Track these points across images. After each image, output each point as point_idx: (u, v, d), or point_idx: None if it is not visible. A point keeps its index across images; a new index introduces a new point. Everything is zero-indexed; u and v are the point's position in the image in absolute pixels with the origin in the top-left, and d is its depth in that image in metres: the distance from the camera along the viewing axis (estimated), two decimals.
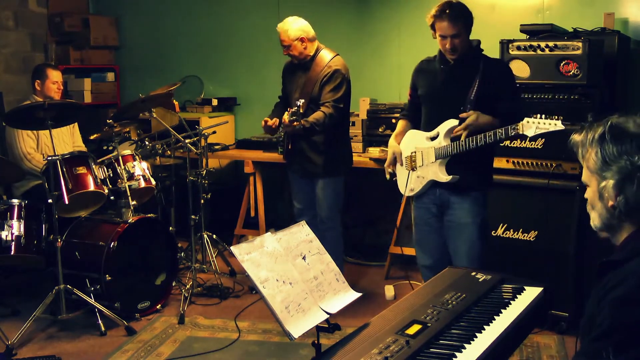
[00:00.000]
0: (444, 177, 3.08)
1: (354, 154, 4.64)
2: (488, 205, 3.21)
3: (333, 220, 4.04)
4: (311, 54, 3.97)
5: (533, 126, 2.83)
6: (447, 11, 2.97)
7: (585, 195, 1.68)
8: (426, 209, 3.23)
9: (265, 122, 3.98)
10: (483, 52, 3.16)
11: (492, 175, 3.28)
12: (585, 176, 1.64)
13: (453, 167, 3.08)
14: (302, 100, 3.73)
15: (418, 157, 3.18)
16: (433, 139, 3.13)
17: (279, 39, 3.96)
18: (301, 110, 3.68)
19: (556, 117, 2.83)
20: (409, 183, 3.24)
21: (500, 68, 3.16)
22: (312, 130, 3.84)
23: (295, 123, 3.67)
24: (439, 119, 3.09)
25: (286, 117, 3.69)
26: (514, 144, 3.67)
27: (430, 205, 3.21)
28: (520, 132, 2.85)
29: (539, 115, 2.85)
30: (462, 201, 3.12)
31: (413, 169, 3.21)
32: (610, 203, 1.56)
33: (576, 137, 1.66)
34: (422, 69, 3.27)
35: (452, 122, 3.04)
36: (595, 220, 1.64)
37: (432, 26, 3.07)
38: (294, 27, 3.91)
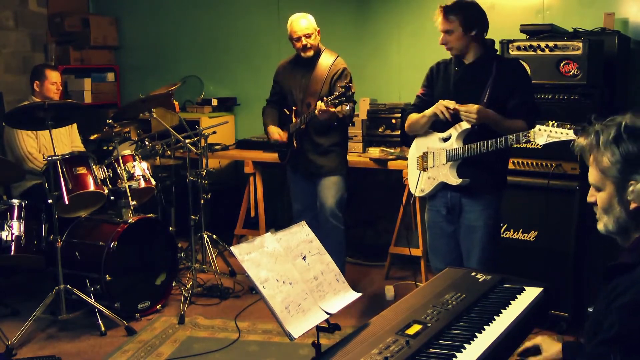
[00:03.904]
0: (454, 179, 3.04)
1: (354, 154, 4.68)
2: (500, 208, 3.16)
3: (337, 219, 4.04)
4: (317, 51, 4.00)
5: (545, 134, 2.76)
6: (444, 6, 3.00)
7: (591, 200, 1.62)
8: (437, 212, 3.19)
9: (280, 136, 4.07)
10: (497, 53, 3.13)
11: (506, 178, 3.22)
12: (597, 179, 1.58)
13: (465, 169, 3.04)
14: (350, 84, 3.69)
15: (429, 157, 3.13)
16: (445, 140, 3.09)
17: (295, 30, 3.93)
18: (352, 90, 3.62)
19: (568, 125, 2.75)
20: (419, 183, 3.20)
21: (513, 68, 3.09)
22: (342, 122, 3.86)
23: (336, 108, 3.61)
24: (452, 120, 3.04)
25: (321, 104, 3.67)
26: None
27: (441, 208, 3.16)
28: (532, 140, 2.79)
29: (551, 123, 2.78)
30: (474, 204, 3.08)
31: (424, 169, 3.17)
32: (634, 205, 1.52)
33: (582, 141, 1.60)
34: (440, 69, 3.20)
35: (464, 125, 3.00)
36: (609, 224, 1.58)
37: None
38: (311, 18, 3.98)
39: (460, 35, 3.00)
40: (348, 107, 3.68)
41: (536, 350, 1.88)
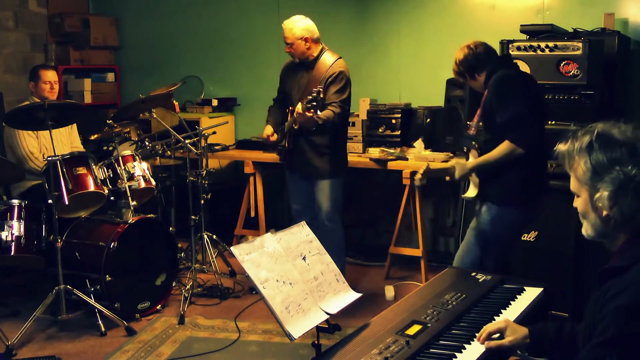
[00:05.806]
0: (472, 188, 3.21)
1: (354, 154, 4.68)
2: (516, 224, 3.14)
3: (334, 221, 4.04)
4: (314, 54, 3.96)
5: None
6: None
7: (575, 205, 1.66)
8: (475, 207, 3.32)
9: (268, 137, 4.07)
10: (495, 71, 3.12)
11: (519, 193, 3.04)
12: (574, 186, 1.63)
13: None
14: (321, 88, 3.63)
15: None
16: None
17: (283, 36, 3.94)
18: (321, 95, 3.58)
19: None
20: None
21: (491, 83, 3.03)
22: (322, 126, 3.82)
23: (310, 112, 3.58)
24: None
25: (300, 107, 3.66)
26: None
27: (476, 205, 3.29)
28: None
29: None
30: (486, 211, 3.13)
31: None
32: (605, 213, 1.55)
33: (561, 147, 1.64)
34: None
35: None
36: (588, 230, 1.63)
37: None
38: (299, 25, 3.90)
39: (472, 82, 3.18)
40: (319, 113, 3.62)
41: (500, 337, 1.86)
